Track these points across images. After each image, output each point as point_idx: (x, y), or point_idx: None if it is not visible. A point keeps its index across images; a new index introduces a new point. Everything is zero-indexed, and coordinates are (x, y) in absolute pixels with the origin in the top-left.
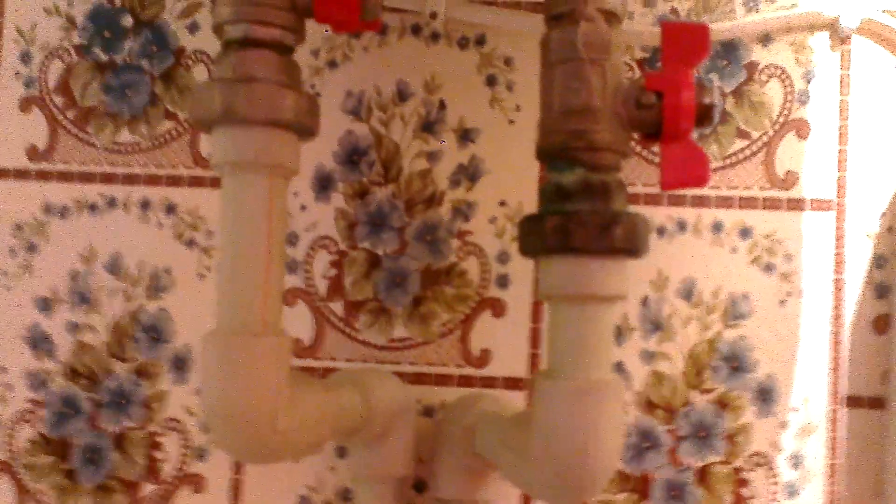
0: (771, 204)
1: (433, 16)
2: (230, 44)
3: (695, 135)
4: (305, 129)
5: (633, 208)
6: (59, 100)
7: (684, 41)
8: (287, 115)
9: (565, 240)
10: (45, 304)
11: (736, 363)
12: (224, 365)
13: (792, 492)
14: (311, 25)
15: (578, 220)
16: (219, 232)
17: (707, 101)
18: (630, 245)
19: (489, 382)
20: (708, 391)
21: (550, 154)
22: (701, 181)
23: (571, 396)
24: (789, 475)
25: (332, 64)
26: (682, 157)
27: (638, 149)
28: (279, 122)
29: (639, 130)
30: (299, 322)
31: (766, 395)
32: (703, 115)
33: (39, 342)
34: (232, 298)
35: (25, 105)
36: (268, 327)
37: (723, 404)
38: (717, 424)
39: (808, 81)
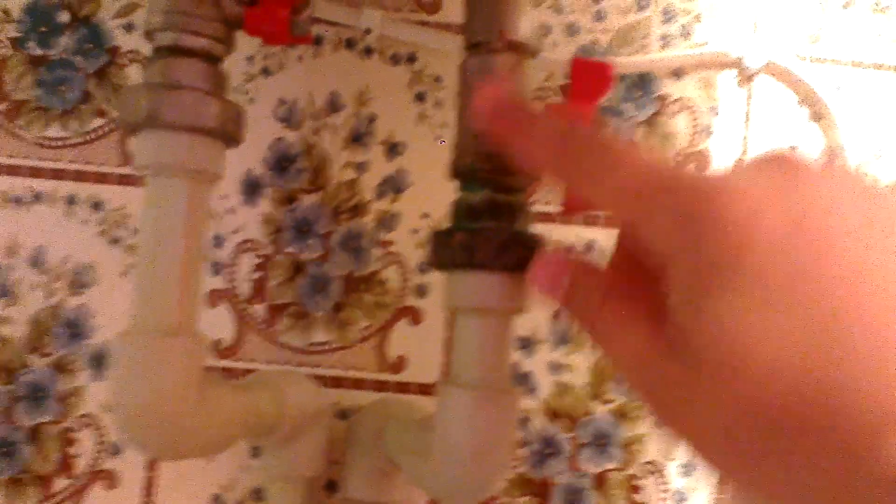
0: None
1: (367, 31)
2: (159, 50)
3: None
4: (229, 137)
5: (549, 227)
6: None
7: (590, 77)
8: (211, 122)
9: (470, 255)
10: None
11: None
12: (134, 363)
13: (681, 498)
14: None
15: (483, 238)
16: (138, 233)
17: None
18: (528, 262)
19: (403, 388)
20: (609, 402)
21: (462, 173)
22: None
23: (468, 403)
24: (679, 483)
25: (267, 71)
26: None
27: None
28: (203, 128)
29: None
30: (221, 323)
31: None
32: None
33: None
34: (147, 299)
35: None
36: (181, 328)
37: (621, 415)
38: (615, 433)
39: (713, 115)
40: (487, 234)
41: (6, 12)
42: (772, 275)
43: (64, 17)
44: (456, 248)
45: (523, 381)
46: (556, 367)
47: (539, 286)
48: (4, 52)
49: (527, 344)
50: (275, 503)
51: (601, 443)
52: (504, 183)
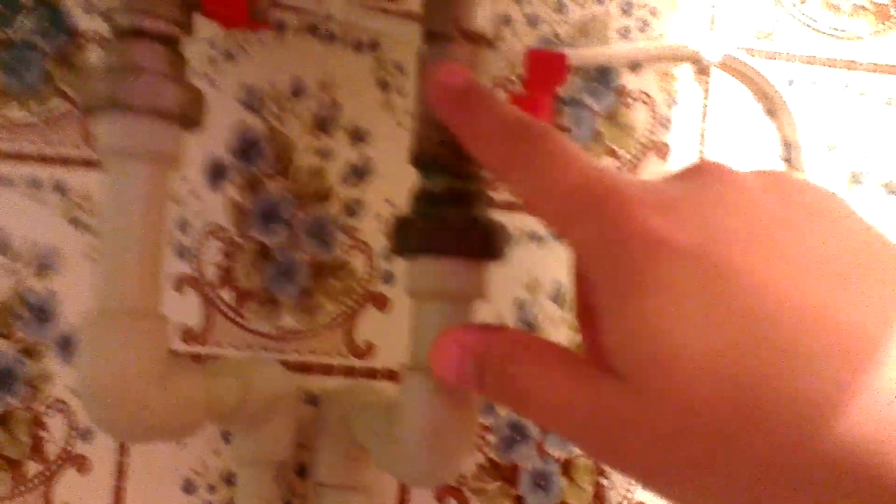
0: None
1: (329, 18)
2: (117, 32)
3: None
4: (189, 120)
5: (512, 215)
6: None
7: (545, 67)
8: (171, 105)
9: (428, 242)
10: None
11: None
12: (97, 345)
13: None
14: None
15: (441, 224)
16: (99, 215)
17: (560, 123)
18: (487, 249)
19: (371, 373)
20: None
21: (421, 161)
22: None
23: (430, 388)
24: None
25: (229, 55)
26: None
27: None
28: (162, 111)
29: None
30: (188, 309)
31: None
32: None
33: None
34: (109, 281)
35: None
36: (145, 311)
37: None
38: None
39: (671, 107)
40: (446, 221)
41: None
42: (683, 283)
43: None
44: (415, 234)
45: None
46: None
47: (443, 375)
48: None
49: None
50: (245, 487)
51: None
52: (463, 170)
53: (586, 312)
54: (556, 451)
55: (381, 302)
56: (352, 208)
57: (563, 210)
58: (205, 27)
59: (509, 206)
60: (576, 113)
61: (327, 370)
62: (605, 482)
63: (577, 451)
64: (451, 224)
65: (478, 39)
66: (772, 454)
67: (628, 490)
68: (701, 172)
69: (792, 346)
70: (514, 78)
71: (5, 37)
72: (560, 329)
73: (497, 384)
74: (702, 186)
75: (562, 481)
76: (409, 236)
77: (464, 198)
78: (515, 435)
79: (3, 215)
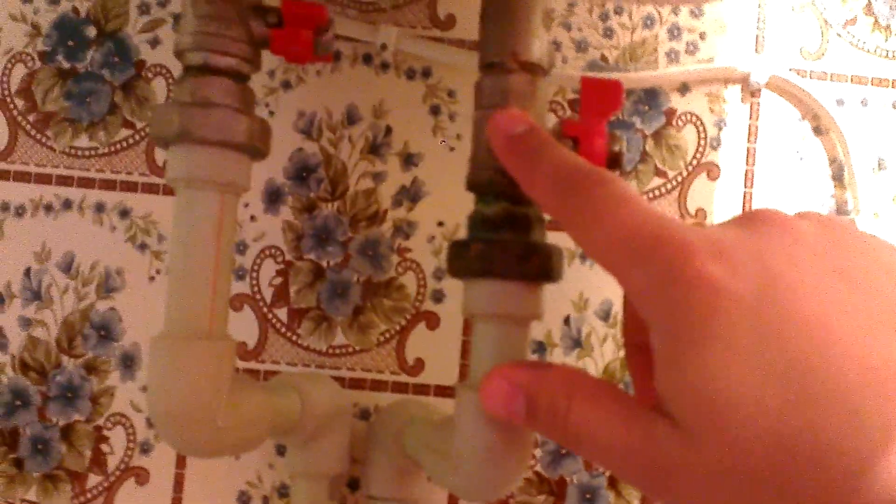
0: None
1: (383, 47)
2: (189, 69)
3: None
4: (257, 151)
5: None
6: (20, 103)
7: (600, 95)
8: (239, 137)
9: (487, 265)
10: None
11: None
12: (169, 366)
13: None
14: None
15: (500, 249)
16: (170, 242)
17: (617, 148)
18: (545, 272)
19: (422, 390)
20: None
21: (478, 187)
22: None
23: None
24: None
25: (287, 85)
26: None
27: None
28: (232, 144)
29: None
30: (245, 326)
31: None
32: (614, 161)
33: None
34: (180, 304)
35: None
36: (213, 332)
37: None
38: None
39: (720, 129)
40: (504, 245)
41: (35, 27)
42: (741, 333)
43: (91, 31)
44: (473, 258)
45: None
46: None
47: (494, 412)
48: (34, 66)
49: (540, 348)
50: (299, 500)
51: None
52: (519, 195)
53: (637, 352)
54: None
55: (431, 320)
56: (403, 230)
57: (619, 256)
58: (263, 58)
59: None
60: (625, 135)
61: (378, 386)
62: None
63: None
64: (511, 249)
65: (534, 69)
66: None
67: None
68: (757, 219)
69: (852, 402)
70: (562, 102)
71: (74, 69)
72: (607, 345)
73: (549, 422)
74: (759, 234)
75: (609, 495)
76: (467, 260)
77: (521, 222)
78: (562, 449)
79: (69, 238)
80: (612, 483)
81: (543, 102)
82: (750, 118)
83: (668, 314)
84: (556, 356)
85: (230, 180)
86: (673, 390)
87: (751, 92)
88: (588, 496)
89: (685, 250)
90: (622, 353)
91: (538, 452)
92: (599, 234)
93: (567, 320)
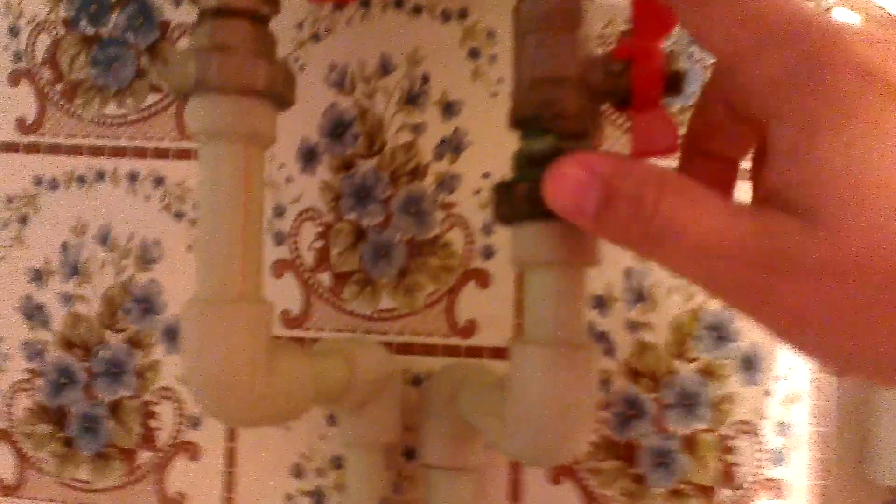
0: None
1: None
2: (205, 13)
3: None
4: (281, 99)
5: None
6: (47, 73)
7: (654, 14)
8: (261, 83)
9: (536, 206)
10: (38, 276)
11: (720, 332)
12: (201, 331)
13: (778, 459)
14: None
15: None
16: (197, 201)
17: (676, 68)
18: None
19: (475, 352)
20: (693, 360)
21: (522, 122)
22: (670, 150)
23: (544, 360)
24: (775, 442)
25: (316, 37)
26: (651, 125)
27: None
28: (253, 90)
29: (609, 99)
30: (287, 293)
31: (750, 364)
32: (673, 83)
33: (34, 313)
34: (209, 266)
35: (14, 78)
36: (245, 294)
37: (707, 373)
38: (702, 393)
39: None
40: None
41: None
42: (894, 119)
43: None
44: (520, 199)
45: (600, 340)
46: (634, 326)
47: (559, 202)
48: (58, 33)
49: (601, 303)
50: (353, 470)
51: (688, 402)
52: (568, 128)
53: (698, 159)
54: (677, 427)
55: (482, 278)
56: (448, 183)
57: (755, 37)
58: (290, 10)
59: None
60: (685, 64)
61: (429, 350)
62: (731, 459)
63: (699, 425)
64: None
65: None
66: None
67: (758, 467)
68: None
69: None
70: (611, 35)
71: (98, 35)
72: (673, 297)
73: (630, 215)
74: None
75: (684, 458)
76: (514, 202)
77: None
78: (629, 410)
79: (105, 210)
80: (688, 446)
81: (591, 26)
82: None
83: (808, 99)
84: (620, 311)
85: (253, 130)
86: (806, 177)
87: (822, 9)
88: (661, 461)
89: (834, 33)
90: (691, 305)
91: (605, 414)
92: (730, 17)
93: (628, 272)
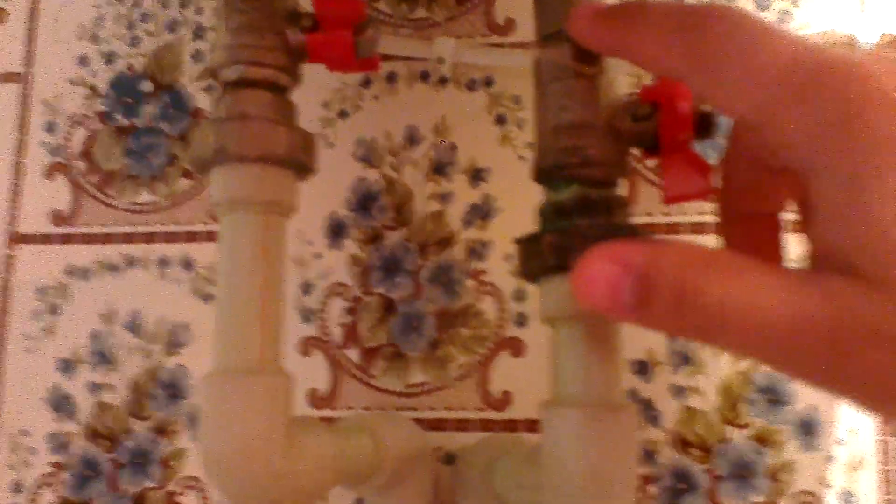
0: None
1: (440, 61)
2: (226, 86)
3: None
4: (301, 165)
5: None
6: (82, 165)
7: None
8: (280, 150)
9: (564, 257)
10: (67, 366)
11: (773, 395)
12: (217, 405)
13: None
14: (322, 77)
15: (577, 235)
16: (216, 272)
17: (705, 109)
18: None
19: (511, 425)
20: (745, 426)
21: (545, 172)
22: (703, 193)
23: (576, 423)
24: None
25: (343, 114)
26: (682, 169)
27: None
28: (272, 157)
29: (637, 144)
30: (315, 371)
31: (808, 429)
32: (703, 125)
33: (61, 404)
34: (227, 337)
35: (50, 172)
36: (264, 366)
37: (762, 440)
38: (758, 462)
39: None
40: (581, 231)
41: (93, 88)
42: None
43: (147, 86)
44: (546, 251)
45: (645, 408)
46: (679, 391)
47: (593, 301)
48: (94, 127)
49: (643, 368)
50: None
51: (743, 473)
52: (594, 176)
53: (739, 222)
54: (733, 500)
55: (515, 347)
56: (477, 251)
57: (771, 95)
58: (318, 89)
59: (646, 230)
60: None
61: (463, 425)
62: None
63: (757, 498)
64: (587, 234)
65: None
66: None
67: None
68: None
69: None
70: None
71: (132, 125)
72: (720, 359)
73: (675, 304)
74: None
75: None
76: (540, 255)
77: (598, 205)
78: (679, 483)
79: (135, 296)
80: None
81: (614, 70)
82: None
83: (845, 151)
84: (664, 376)
85: (273, 198)
86: (858, 237)
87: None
88: None
89: (859, 74)
90: (740, 366)
91: (653, 489)
92: (735, 74)
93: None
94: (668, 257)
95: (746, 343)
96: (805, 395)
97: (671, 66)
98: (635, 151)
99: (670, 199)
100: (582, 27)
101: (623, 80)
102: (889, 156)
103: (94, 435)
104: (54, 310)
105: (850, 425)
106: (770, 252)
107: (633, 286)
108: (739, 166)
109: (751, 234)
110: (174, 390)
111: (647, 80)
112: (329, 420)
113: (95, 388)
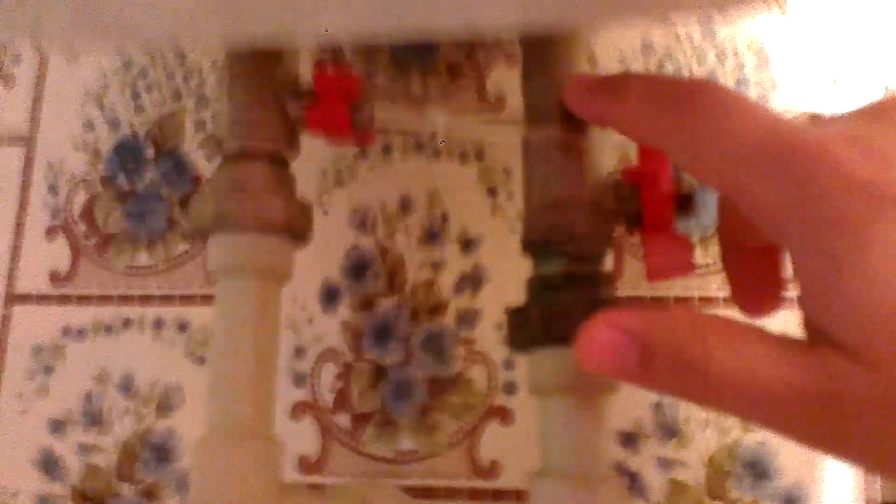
0: None
1: (433, 135)
2: (227, 158)
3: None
4: (297, 234)
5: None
6: (82, 227)
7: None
8: (277, 220)
9: (549, 331)
10: (58, 427)
11: (758, 470)
12: (207, 468)
13: None
14: (320, 147)
15: (563, 309)
16: (210, 337)
17: (686, 191)
18: None
19: (499, 495)
20: (735, 501)
21: (533, 246)
22: (685, 270)
23: (563, 495)
24: None
25: (339, 182)
26: (664, 248)
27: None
28: (269, 226)
29: (621, 221)
30: (305, 437)
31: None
32: (684, 204)
33: (50, 466)
34: (219, 402)
35: (51, 234)
36: (255, 432)
37: None
38: None
39: None
40: (567, 305)
41: (96, 153)
42: None
43: (150, 152)
44: (534, 323)
45: (631, 481)
46: (666, 464)
47: (596, 366)
48: (95, 191)
49: (630, 439)
50: None
51: None
52: (580, 250)
53: (736, 254)
54: None
55: (504, 416)
56: (468, 319)
57: (740, 173)
58: (314, 158)
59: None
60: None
61: (452, 494)
62: None
63: None
64: (577, 308)
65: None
66: None
67: None
68: (887, 109)
69: None
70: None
71: (133, 190)
72: (707, 432)
73: (676, 375)
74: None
75: None
76: (528, 328)
77: (586, 280)
78: None
79: (129, 358)
80: None
81: (598, 152)
82: None
83: (817, 230)
84: (651, 448)
85: (269, 265)
86: (841, 314)
87: None
88: None
89: (828, 153)
90: (726, 440)
91: None
92: (711, 149)
93: (657, 407)
94: (666, 323)
95: (745, 409)
96: (790, 471)
97: (654, 138)
98: (620, 228)
99: (653, 276)
100: (576, 96)
101: (609, 151)
102: (861, 238)
103: (82, 498)
104: (48, 370)
105: (836, 498)
106: (770, 281)
107: (636, 351)
108: (732, 213)
109: (751, 266)
110: (164, 453)
111: (633, 149)
112: (317, 487)
113: (85, 449)
